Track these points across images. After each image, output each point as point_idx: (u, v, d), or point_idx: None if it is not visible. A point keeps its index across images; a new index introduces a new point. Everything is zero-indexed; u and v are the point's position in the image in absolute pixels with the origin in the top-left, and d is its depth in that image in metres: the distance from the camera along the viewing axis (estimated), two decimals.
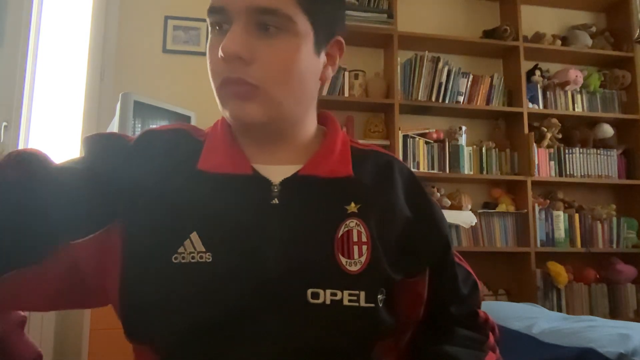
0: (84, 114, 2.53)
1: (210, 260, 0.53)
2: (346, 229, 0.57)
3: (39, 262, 0.54)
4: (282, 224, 0.56)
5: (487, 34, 2.88)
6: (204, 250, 0.54)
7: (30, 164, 0.56)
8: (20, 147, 2.45)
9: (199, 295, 0.52)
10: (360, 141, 0.72)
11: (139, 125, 2.19)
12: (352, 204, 0.59)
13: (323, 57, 0.62)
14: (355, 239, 0.57)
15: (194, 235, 0.54)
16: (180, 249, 0.54)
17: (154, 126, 0.65)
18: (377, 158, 0.66)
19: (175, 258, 0.54)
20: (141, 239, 0.55)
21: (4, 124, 2.42)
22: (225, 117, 0.61)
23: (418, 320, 0.66)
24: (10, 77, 2.46)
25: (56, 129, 2.57)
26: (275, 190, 0.58)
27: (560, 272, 2.63)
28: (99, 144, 0.61)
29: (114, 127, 2.15)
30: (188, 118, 2.38)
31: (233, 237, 0.55)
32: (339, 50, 0.65)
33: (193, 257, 0.54)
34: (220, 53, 0.54)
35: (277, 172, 0.59)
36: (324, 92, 2.61)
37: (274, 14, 0.54)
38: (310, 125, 0.65)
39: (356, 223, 0.58)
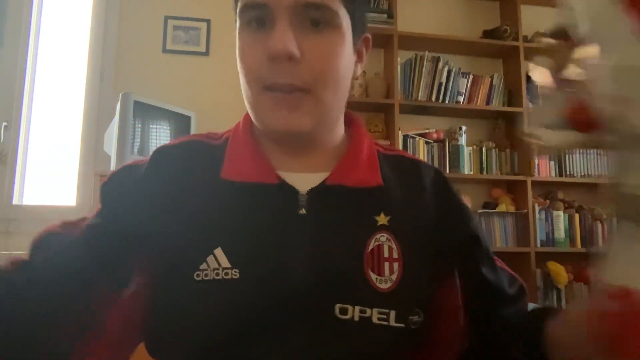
0: (84, 114, 2.53)
1: (237, 277, 0.51)
2: (376, 243, 0.55)
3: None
4: (310, 236, 0.54)
5: (487, 34, 2.88)
6: (229, 266, 0.51)
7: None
8: (20, 147, 2.44)
9: (225, 311, 0.51)
10: (381, 142, 0.70)
11: (139, 125, 2.19)
12: (382, 215, 0.57)
13: (354, 54, 0.59)
14: (386, 254, 0.54)
15: (219, 251, 0.52)
16: (203, 266, 0.52)
17: (166, 143, 0.62)
18: (403, 164, 0.63)
19: (198, 275, 0.51)
20: (164, 258, 0.53)
21: (4, 124, 2.42)
22: (260, 126, 0.57)
23: (457, 339, 0.60)
24: (10, 77, 2.46)
25: (56, 129, 2.57)
26: (303, 200, 0.55)
27: (560, 272, 2.63)
28: (111, 192, 0.58)
29: (114, 127, 2.15)
30: (188, 118, 2.38)
31: (260, 251, 0.53)
32: (366, 47, 0.62)
33: (217, 274, 0.51)
34: (268, 52, 0.50)
35: (303, 181, 0.57)
36: None
37: (322, 9, 0.52)
38: (340, 128, 0.62)
39: (387, 238, 0.55)
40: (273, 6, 0.51)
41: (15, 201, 2.40)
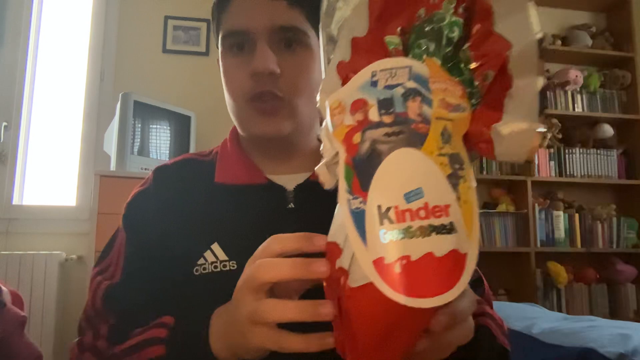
0: (84, 114, 2.53)
1: (235, 268, 0.55)
2: None
3: None
4: (299, 226, 0.57)
5: None
6: (227, 259, 0.56)
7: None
8: (20, 147, 2.45)
9: (225, 302, 0.53)
10: None
11: (139, 125, 2.19)
12: None
13: None
14: None
15: (215, 246, 0.57)
16: (200, 261, 0.56)
17: (165, 162, 0.70)
18: None
19: (197, 270, 0.56)
20: (167, 259, 0.58)
21: (4, 124, 2.42)
22: (245, 133, 0.64)
23: None
24: (10, 77, 2.46)
25: (56, 129, 2.57)
26: (290, 196, 0.61)
27: (560, 272, 2.63)
28: (133, 220, 0.64)
29: (114, 127, 2.15)
30: (188, 118, 2.38)
31: (255, 242, 0.56)
32: None
33: (216, 267, 0.56)
34: (253, 71, 0.58)
35: (289, 180, 0.63)
36: None
37: (294, 31, 0.60)
38: (317, 132, 0.68)
39: None
40: (253, 31, 0.59)
41: (15, 201, 2.40)
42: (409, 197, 0.31)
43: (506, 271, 2.76)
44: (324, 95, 0.40)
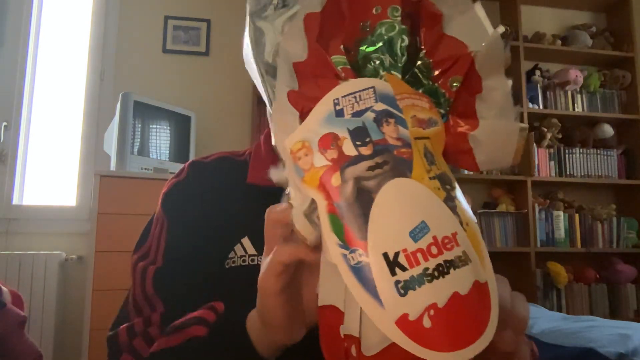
0: (84, 114, 2.53)
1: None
2: None
3: None
4: None
5: None
6: (255, 253, 0.59)
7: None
8: (20, 147, 2.45)
9: (253, 296, 0.54)
10: None
11: (139, 125, 2.19)
12: None
13: None
14: None
15: (245, 240, 0.60)
16: (231, 254, 0.59)
17: (198, 157, 0.72)
18: None
19: (227, 264, 0.59)
20: (200, 252, 0.61)
21: (4, 124, 2.42)
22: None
23: None
24: (10, 77, 2.46)
25: (56, 129, 2.57)
26: None
27: (560, 272, 2.63)
28: (172, 205, 0.66)
29: (114, 127, 2.15)
30: (188, 118, 2.38)
31: None
32: None
33: (244, 261, 0.59)
34: None
35: None
36: None
37: None
38: None
39: None
40: None
41: (15, 201, 2.40)
42: (415, 234, 0.28)
43: (506, 271, 2.74)
44: (282, 134, 0.34)
